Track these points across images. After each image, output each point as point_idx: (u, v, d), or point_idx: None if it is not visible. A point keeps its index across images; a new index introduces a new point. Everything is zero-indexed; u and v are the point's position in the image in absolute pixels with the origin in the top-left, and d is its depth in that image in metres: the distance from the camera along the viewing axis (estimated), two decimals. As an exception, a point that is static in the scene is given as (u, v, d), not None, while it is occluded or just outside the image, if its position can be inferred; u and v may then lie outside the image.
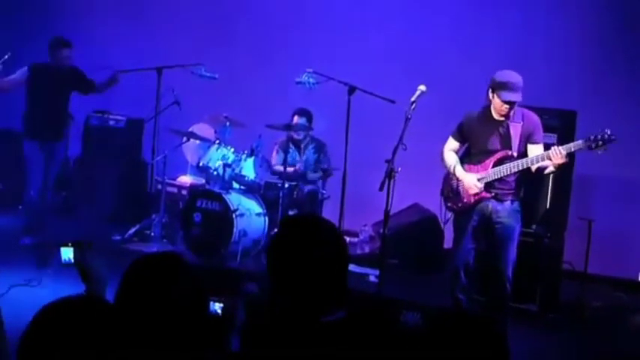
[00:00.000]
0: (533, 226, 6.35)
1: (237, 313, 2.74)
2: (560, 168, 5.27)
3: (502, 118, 5.35)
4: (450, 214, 5.73)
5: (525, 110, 5.44)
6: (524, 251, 6.03)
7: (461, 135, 5.63)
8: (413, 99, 5.58)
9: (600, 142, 5.03)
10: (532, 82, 7.22)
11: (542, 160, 5.21)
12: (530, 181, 5.88)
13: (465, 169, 5.54)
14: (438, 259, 7.39)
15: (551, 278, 6.41)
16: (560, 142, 6.02)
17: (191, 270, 2.26)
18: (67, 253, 2.91)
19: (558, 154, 5.10)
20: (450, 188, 5.66)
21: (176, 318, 2.14)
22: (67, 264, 2.92)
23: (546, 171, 5.30)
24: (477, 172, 5.46)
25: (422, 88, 5.62)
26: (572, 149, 5.14)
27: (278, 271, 2.29)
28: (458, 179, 5.56)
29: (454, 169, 5.57)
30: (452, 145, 5.67)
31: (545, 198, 6.41)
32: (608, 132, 5.04)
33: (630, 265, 7.56)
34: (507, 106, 5.25)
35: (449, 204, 5.69)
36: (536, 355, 5.51)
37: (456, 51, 8.29)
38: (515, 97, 5.21)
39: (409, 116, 5.54)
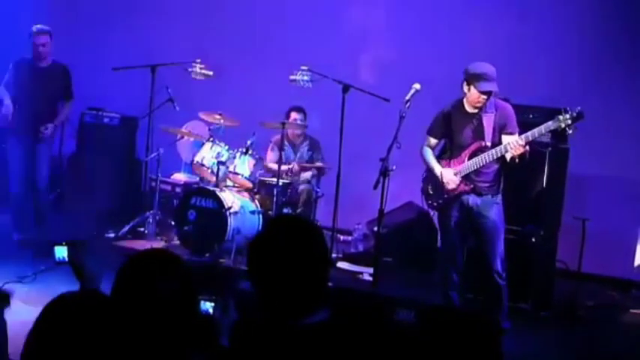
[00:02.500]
0: (527, 225, 6.35)
1: (229, 312, 2.73)
2: (522, 157, 5.21)
3: (475, 111, 5.37)
4: (433, 212, 5.76)
5: (498, 100, 5.44)
6: (518, 250, 6.05)
7: (436, 131, 5.65)
8: (407, 97, 5.60)
9: (570, 121, 5.04)
10: (528, 81, 7.25)
11: (505, 151, 5.20)
12: (524, 179, 5.89)
13: (442, 165, 5.56)
14: (432, 257, 7.39)
15: (544, 277, 6.41)
16: (553, 139, 6.05)
17: (183, 267, 2.26)
18: (61, 252, 2.93)
19: (516, 145, 5.13)
20: (430, 186, 5.67)
21: (166, 314, 2.15)
22: (61, 262, 2.93)
23: (516, 160, 5.25)
24: (454, 166, 5.48)
25: (416, 86, 5.64)
26: (530, 138, 5.14)
27: (259, 272, 2.27)
28: (437, 177, 5.57)
29: (434, 170, 5.58)
30: (430, 142, 5.69)
31: (540, 197, 6.41)
32: (578, 109, 5.06)
33: (624, 265, 7.58)
34: (484, 97, 5.28)
35: (429, 201, 5.71)
36: (529, 354, 5.51)
37: (450, 48, 8.28)
38: (492, 86, 5.24)
39: (403, 115, 5.55)
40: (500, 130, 5.35)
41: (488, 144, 5.33)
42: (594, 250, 6.94)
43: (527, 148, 5.17)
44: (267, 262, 2.25)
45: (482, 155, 5.32)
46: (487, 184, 5.44)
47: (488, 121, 5.34)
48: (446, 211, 5.59)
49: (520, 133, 5.27)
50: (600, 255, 7.25)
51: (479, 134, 5.37)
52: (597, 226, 6.92)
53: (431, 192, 5.65)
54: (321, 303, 2.26)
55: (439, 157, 5.64)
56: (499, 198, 5.48)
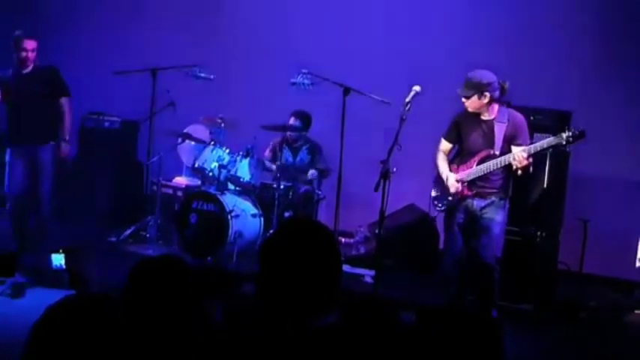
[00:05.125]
0: (529, 226, 6.35)
1: (213, 314, 2.73)
2: (525, 169, 5.31)
3: (487, 118, 5.46)
4: (436, 212, 5.85)
5: (512, 111, 5.52)
6: (519, 251, 6.06)
7: (451, 136, 5.75)
8: (407, 100, 5.62)
9: (571, 139, 5.11)
10: (528, 82, 7.23)
11: (510, 161, 5.30)
12: (525, 181, 5.89)
13: (451, 169, 5.66)
14: (434, 259, 7.39)
15: (546, 278, 6.42)
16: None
17: (186, 271, 2.27)
18: (59, 260, 2.93)
19: (521, 157, 5.21)
20: (437, 188, 5.78)
21: (169, 319, 2.15)
22: (58, 270, 2.94)
23: (519, 172, 5.36)
24: (462, 171, 5.58)
25: (416, 88, 5.66)
26: (532, 151, 5.23)
27: (270, 274, 2.27)
28: (444, 181, 5.68)
29: (442, 173, 5.70)
30: (443, 146, 5.79)
31: (541, 198, 6.41)
32: (581, 128, 5.13)
33: (626, 266, 7.56)
34: (463, 101, 5.43)
35: (435, 202, 5.82)
36: (531, 355, 5.52)
37: (450, 51, 8.29)
38: (460, 91, 5.40)
39: (404, 117, 5.57)
40: (510, 140, 5.42)
41: (497, 152, 5.40)
42: (596, 251, 6.94)
43: (531, 160, 5.26)
44: (278, 264, 2.25)
45: (489, 163, 5.40)
46: (493, 190, 5.51)
47: (499, 131, 5.42)
48: (451, 213, 5.68)
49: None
50: (602, 256, 7.25)
51: (489, 142, 5.45)
52: (599, 227, 6.92)
53: (438, 194, 5.74)
54: (332, 305, 2.26)
55: (451, 162, 5.74)
56: (505, 202, 5.54)
